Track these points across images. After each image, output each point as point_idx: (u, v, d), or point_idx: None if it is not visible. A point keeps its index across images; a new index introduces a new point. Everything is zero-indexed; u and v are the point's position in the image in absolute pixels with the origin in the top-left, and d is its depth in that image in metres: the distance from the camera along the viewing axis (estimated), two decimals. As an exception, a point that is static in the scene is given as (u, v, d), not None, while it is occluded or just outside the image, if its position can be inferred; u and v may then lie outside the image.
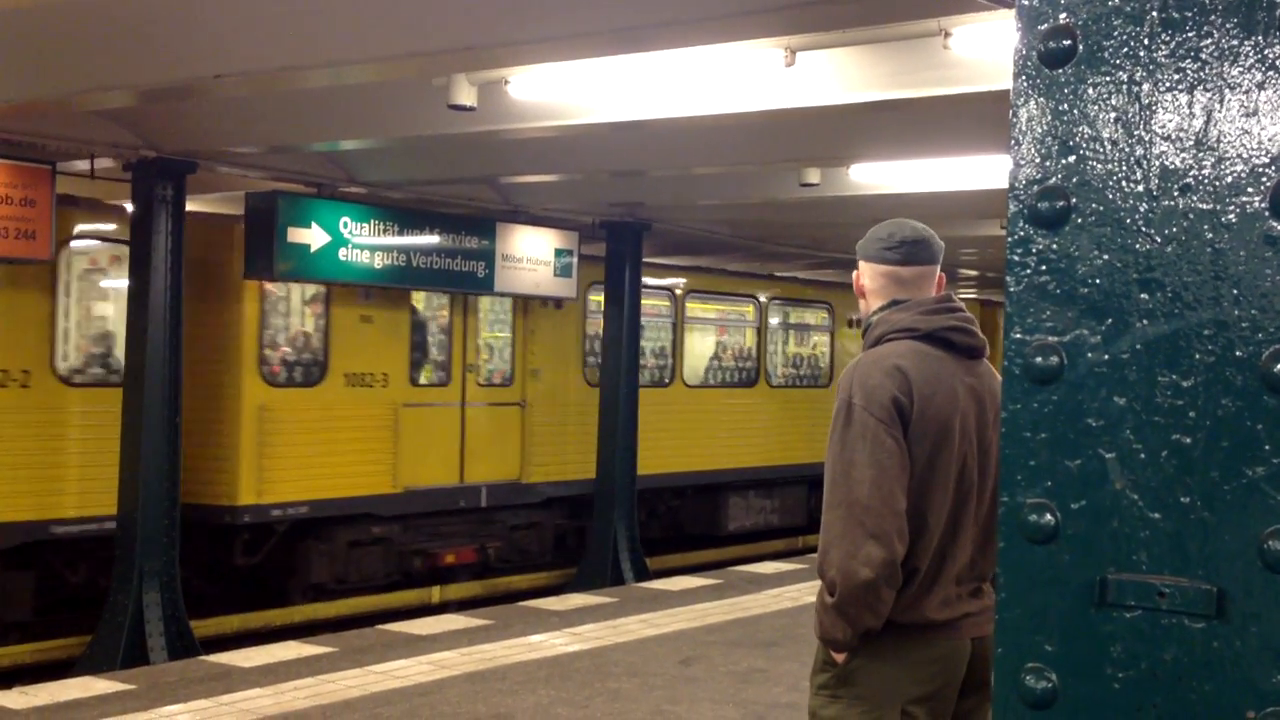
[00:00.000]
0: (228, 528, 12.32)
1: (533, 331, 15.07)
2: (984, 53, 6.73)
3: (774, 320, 19.20)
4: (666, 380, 16.88)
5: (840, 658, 3.22)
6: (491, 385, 14.79)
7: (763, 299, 18.74)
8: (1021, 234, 1.37)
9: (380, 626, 9.83)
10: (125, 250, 11.31)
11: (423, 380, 14.03)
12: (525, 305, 14.91)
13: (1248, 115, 1.26)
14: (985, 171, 10.62)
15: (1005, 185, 1.39)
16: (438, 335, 14.45)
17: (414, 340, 13.89)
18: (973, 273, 20.86)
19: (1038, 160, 1.36)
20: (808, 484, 18.78)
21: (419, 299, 14.12)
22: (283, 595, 13.09)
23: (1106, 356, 1.33)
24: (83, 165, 10.77)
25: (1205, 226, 1.28)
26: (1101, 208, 1.33)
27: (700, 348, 18.22)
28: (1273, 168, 1.25)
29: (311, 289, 12.97)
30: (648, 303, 16.00)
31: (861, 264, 3.47)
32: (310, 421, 12.65)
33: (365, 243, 12.62)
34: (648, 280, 15.68)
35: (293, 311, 13.27)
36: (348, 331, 13.12)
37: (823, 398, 19.08)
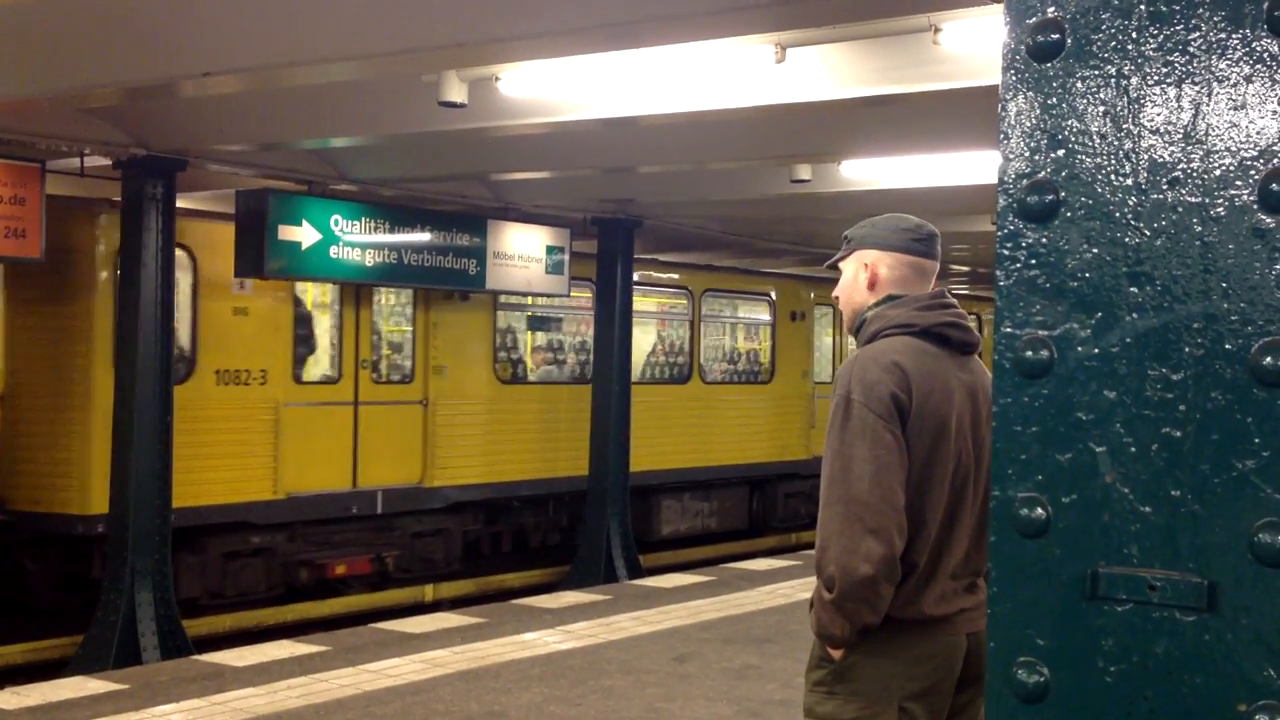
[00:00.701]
0: (80, 538, 11.49)
1: (436, 325, 14.15)
2: (974, 48, 6.74)
3: (708, 313, 18.18)
4: (588, 376, 15.57)
5: (837, 654, 3.21)
6: (390, 383, 13.89)
7: (696, 291, 17.73)
8: (1011, 228, 1.37)
9: (373, 625, 9.83)
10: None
11: (309, 377, 13.14)
12: (427, 297, 14.06)
13: (1236, 108, 1.26)
14: (976, 167, 10.63)
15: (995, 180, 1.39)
16: (327, 329, 13.49)
17: (298, 334, 12.90)
18: (964, 268, 20.86)
19: (1027, 154, 1.36)
20: (749, 486, 17.89)
21: (304, 289, 13.15)
22: None
23: (1096, 350, 1.33)
24: (73, 163, 10.76)
25: (1194, 220, 1.29)
26: (1090, 201, 1.33)
27: None
28: (1261, 160, 1.25)
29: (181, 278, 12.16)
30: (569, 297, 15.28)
31: (878, 253, 3.40)
32: (174, 422, 11.72)
33: (356, 240, 12.55)
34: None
35: None
36: (219, 325, 12.19)
37: (762, 395, 18.23)
